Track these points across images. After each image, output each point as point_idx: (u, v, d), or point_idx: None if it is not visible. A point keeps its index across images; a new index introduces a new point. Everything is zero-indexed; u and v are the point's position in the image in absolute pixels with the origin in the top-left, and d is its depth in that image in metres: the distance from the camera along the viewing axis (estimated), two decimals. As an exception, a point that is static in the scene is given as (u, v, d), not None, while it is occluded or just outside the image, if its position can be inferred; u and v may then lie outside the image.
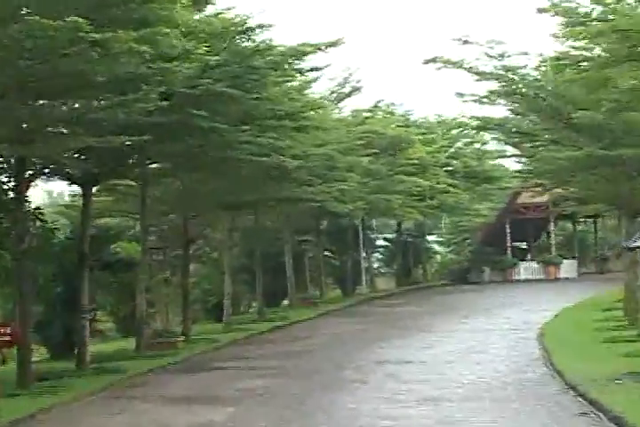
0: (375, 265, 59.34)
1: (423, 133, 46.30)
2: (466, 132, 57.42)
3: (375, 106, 41.06)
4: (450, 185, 49.03)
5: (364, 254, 51.89)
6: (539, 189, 39.52)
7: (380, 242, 61.62)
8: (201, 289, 40.26)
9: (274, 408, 15.84)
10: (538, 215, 58.87)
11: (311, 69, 24.86)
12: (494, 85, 25.09)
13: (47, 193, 64.78)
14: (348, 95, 38.67)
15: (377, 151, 37.09)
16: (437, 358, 22.49)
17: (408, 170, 42.44)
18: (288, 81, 24.67)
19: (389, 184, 41.16)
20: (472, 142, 57.22)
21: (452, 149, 54.09)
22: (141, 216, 26.29)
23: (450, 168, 51.37)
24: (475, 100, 26.28)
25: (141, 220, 26.44)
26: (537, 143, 24.56)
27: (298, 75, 24.39)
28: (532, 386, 17.21)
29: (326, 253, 52.70)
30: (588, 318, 29.98)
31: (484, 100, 25.86)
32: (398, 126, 43.16)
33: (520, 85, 23.77)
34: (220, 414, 15.29)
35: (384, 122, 40.79)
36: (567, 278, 56.39)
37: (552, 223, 59.04)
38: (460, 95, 26.29)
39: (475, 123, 27.07)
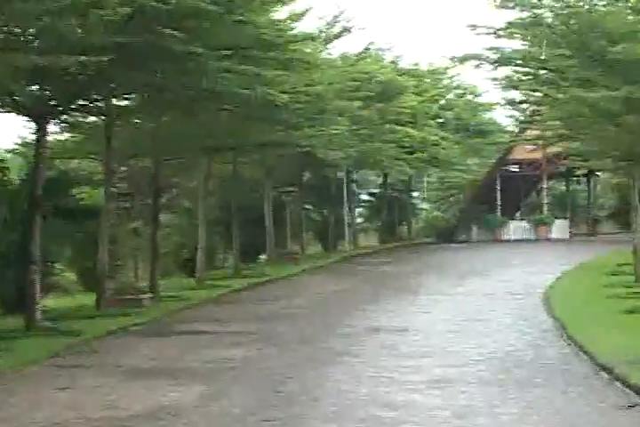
0: (358, 220, 56.55)
1: (413, 81, 43.23)
2: (458, 82, 54.64)
3: (366, 49, 37.95)
4: (442, 138, 46.19)
5: (347, 209, 49.12)
6: (538, 142, 36.48)
7: (364, 197, 58.86)
8: (173, 241, 37.42)
9: (251, 389, 13.09)
10: (530, 172, 56.22)
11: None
12: (513, 16, 22.23)
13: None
14: (338, 36, 35.55)
15: (369, 95, 34.09)
16: (437, 327, 19.84)
17: (399, 119, 39.52)
18: (275, 9, 21.67)
19: (380, 133, 38.23)
20: (464, 94, 54.38)
21: (443, 101, 51.20)
22: (106, 158, 23.34)
23: (441, 120, 48.43)
24: (490, 33, 23.34)
25: (106, 162, 23.47)
26: (563, 83, 21.66)
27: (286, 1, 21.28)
28: (554, 366, 14.52)
29: (308, 206, 50.03)
30: (594, 283, 27.56)
31: (502, 32, 22.90)
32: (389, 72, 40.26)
33: (548, 14, 20.90)
34: (187, 395, 12.53)
35: (375, 65, 37.74)
36: (558, 239, 53.93)
37: (544, 181, 56.37)
38: (473, 27, 23.32)
39: (494, 55, 24.09)
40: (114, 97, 21.77)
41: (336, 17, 35.33)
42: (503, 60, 24.30)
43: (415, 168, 48.04)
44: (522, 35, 23.01)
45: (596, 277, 29.36)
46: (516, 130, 60.69)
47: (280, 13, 23.39)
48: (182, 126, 25.18)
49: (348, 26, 35.62)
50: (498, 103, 60.09)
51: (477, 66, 25.46)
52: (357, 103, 31.89)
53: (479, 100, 56.27)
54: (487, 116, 57.73)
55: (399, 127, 39.46)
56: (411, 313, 22.47)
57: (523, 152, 55.48)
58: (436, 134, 45.23)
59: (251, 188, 42.20)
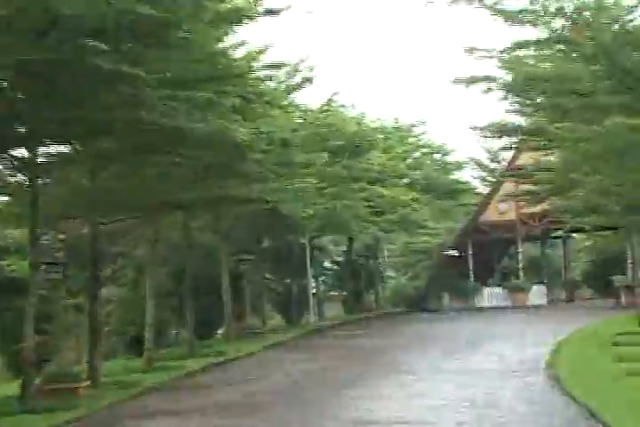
0: (322, 290, 52.50)
1: (380, 136, 39.70)
2: (425, 140, 51.43)
3: (330, 100, 34.34)
4: (411, 199, 42.65)
5: (311, 278, 45.20)
6: (526, 197, 33.01)
7: (327, 264, 54.99)
8: (118, 318, 33.21)
9: None
10: (503, 235, 52.78)
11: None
12: (526, 33, 18.83)
13: None
14: (299, 87, 31.95)
15: (336, 147, 30.53)
16: (442, 417, 15.91)
17: (368, 177, 35.95)
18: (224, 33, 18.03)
19: (348, 192, 34.59)
20: (432, 153, 51.15)
21: (410, 160, 47.89)
22: (30, 221, 19.28)
23: (408, 180, 44.94)
24: (492, 56, 19.93)
25: (30, 225, 19.41)
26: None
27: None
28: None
29: (268, 276, 46.08)
30: (600, 356, 23.81)
31: (506, 54, 19.54)
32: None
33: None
34: None
35: (340, 117, 34.22)
36: (536, 306, 50.32)
37: (519, 244, 52.92)
38: (470, 51, 19.89)
39: (507, 76, 20.67)
40: (37, 145, 17.85)
41: (297, 65, 31.75)
42: (519, 84, 20.79)
43: (384, 231, 44.34)
44: (536, 55, 19.71)
45: (598, 348, 25.69)
46: (487, 189, 57.71)
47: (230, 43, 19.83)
48: (123, 181, 21.31)
49: (309, 76, 32.01)
50: (468, 161, 57.75)
51: (487, 90, 21.90)
52: (324, 155, 28.25)
53: (447, 159, 53.11)
54: (456, 176, 54.57)
55: (368, 186, 35.88)
56: (404, 399, 18.51)
57: (495, 214, 52.28)
58: (406, 195, 41.67)
59: (205, 255, 38.27)
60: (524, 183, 31.94)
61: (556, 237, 57.72)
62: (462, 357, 26.67)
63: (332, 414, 16.74)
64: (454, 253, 54.27)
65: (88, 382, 21.50)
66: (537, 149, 28.72)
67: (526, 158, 50.60)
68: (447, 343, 31.03)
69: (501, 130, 27.50)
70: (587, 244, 63.07)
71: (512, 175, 31.06)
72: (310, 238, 43.70)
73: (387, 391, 19.63)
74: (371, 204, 37.68)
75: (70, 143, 18.60)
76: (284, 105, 23.78)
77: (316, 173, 27.91)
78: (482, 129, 28.39)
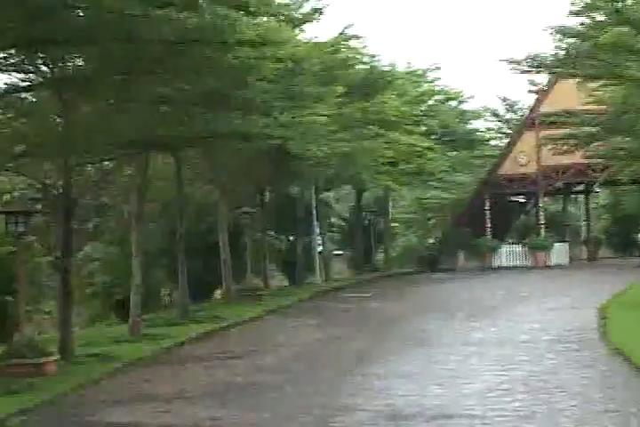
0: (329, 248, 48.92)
1: (393, 78, 35.70)
2: (440, 86, 47.62)
3: (342, 33, 30.33)
4: (428, 148, 38.94)
5: (317, 235, 41.67)
6: (570, 142, 29.21)
7: (334, 220, 51.35)
8: (103, 278, 29.76)
9: None
10: (522, 189, 49.16)
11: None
12: None
13: None
14: (307, 19, 28.13)
15: (350, 83, 26.78)
16: (495, 406, 12.44)
17: (383, 121, 32.09)
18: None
19: (362, 137, 30.79)
20: (447, 100, 47.37)
21: (425, 106, 44.11)
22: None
23: (424, 128, 41.09)
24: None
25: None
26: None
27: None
28: None
29: (271, 233, 42.60)
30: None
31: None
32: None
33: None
34: None
35: (354, 51, 30.34)
36: (558, 266, 46.82)
37: (540, 199, 49.25)
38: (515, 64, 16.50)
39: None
40: None
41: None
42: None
43: (399, 184, 40.59)
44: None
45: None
46: (503, 141, 54.00)
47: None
48: (104, 116, 17.65)
49: (318, 6, 28.25)
50: (484, 111, 53.88)
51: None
52: (338, 88, 24.47)
53: (464, 107, 49.31)
54: (474, 126, 50.82)
55: (383, 131, 32.08)
56: (436, 379, 15.03)
57: (514, 166, 48.58)
58: (423, 143, 37.94)
59: (202, 210, 34.79)
60: (560, 128, 28.12)
61: (577, 193, 54.10)
62: (490, 323, 23.28)
63: (349, 402, 13.28)
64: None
65: (58, 356, 18.02)
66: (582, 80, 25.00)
67: (551, 104, 47.21)
68: (470, 307, 27.60)
69: (542, 62, 23.93)
70: (607, 200, 59.59)
71: (552, 119, 27.20)
72: (316, 191, 40.15)
73: (412, 370, 16.17)
74: (385, 152, 33.88)
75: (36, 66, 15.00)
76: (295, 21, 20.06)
77: (328, 112, 24.10)
78: (519, 62, 24.86)
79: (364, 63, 30.99)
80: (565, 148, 36.06)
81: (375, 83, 29.81)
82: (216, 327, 24.54)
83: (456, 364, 16.74)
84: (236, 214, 33.74)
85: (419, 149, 37.77)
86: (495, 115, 55.21)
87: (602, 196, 59.65)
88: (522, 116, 56.52)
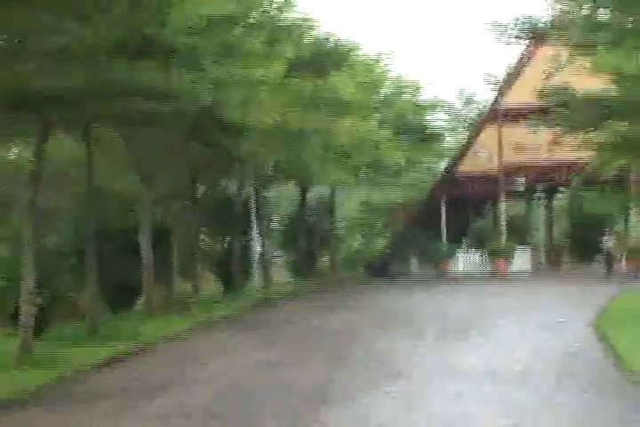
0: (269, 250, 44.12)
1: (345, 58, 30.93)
2: (394, 74, 43.19)
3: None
4: (386, 139, 34.35)
5: (257, 236, 36.86)
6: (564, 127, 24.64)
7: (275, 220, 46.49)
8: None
9: None
10: (483, 190, 44.82)
11: None
12: None
13: None
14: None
15: (297, 56, 22.04)
16: None
17: (335, 104, 27.39)
18: None
19: (312, 120, 25.90)
20: (403, 89, 42.93)
21: (378, 95, 39.57)
22: None
23: (378, 117, 36.47)
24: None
25: None
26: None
27: None
28: None
29: (204, 233, 37.77)
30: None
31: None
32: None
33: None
34: None
35: (301, 17, 25.44)
36: (521, 273, 42.56)
37: (501, 200, 44.92)
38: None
39: None
40: None
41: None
42: None
43: (352, 179, 35.84)
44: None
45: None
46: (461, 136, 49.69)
47: None
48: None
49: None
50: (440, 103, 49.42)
51: None
52: (288, 51, 19.71)
53: (419, 98, 44.83)
54: (431, 118, 46.39)
55: (337, 118, 27.30)
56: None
57: (473, 164, 44.28)
58: (378, 133, 33.35)
59: (126, 205, 29.84)
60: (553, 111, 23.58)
61: (539, 195, 49.96)
62: (473, 345, 18.76)
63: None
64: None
65: None
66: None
67: (515, 96, 43.09)
68: (440, 323, 23.12)
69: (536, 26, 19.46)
70: (564, 203, 55.53)
71: (551, 95, 22.86)
72: (256, 187, 35.41)
73: (387, 419, 11.53)
74: (339, 138, 29.12)
75: None
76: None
77: (273, 80, 19.28)
78: (505, 27, 20.37)
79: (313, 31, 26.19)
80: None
81: (328, 58, 25.05)
82: (130, 347, 19.64)
83: (445, 408, 12.15)
84: (163, 211, 28.91)
85: (374, 139, 33.16)
86: (450, 110, 50.84)
87: (559, 198, 55.62)
88: (479, 111, 52.47)
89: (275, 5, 22.05)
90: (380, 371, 15.61)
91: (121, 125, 19.49)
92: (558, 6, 20.16)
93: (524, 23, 20.13)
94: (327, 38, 25.14)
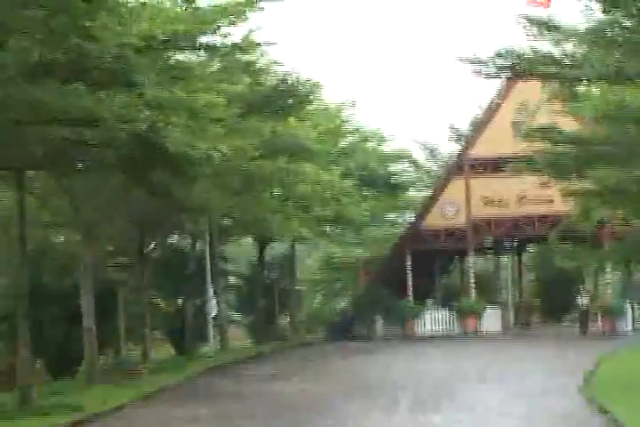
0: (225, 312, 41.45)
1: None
2: (355, 125, 41.24)
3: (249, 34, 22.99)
4: (344, 193, 32.16)
5: (212, 297, 34.25)
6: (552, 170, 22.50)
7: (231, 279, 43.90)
8: None
9: None
10: (450, 245, 42.64)
11: None
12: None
13: None
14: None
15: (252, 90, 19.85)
16: None
17: (295, 148, 25.03)
18: None
19: (268, 166, 23.42)
20: (365, 140, 40.96)
21: (340, 145, 37.55)
22: None
23: (340, 168, 34.25)
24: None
25: None
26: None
27: None
28: None
29: (154, 293, 35.24)
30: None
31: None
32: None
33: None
34: None
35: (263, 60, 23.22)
36: (491, 333, 40.26)
37: (470, 256, 42.77)
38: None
39: None
40: None
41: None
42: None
43: (313, 233, 33.51)
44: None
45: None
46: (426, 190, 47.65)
47: None
48: None
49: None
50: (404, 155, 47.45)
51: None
52: (240, 87, 17.50)
53: (383, 148, 42.92)
54: (395, 169, 44.44)
55: (295, 165, 24.97)
56: None
57: (439, 219, 42.15)
58: (341, 182, 31.15)
59: (67, 264, 27.34)
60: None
61: (508, 250, 47.85)
62: (457, 421, 16.33)
63: None
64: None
65: None
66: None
67: (481, 148, 41.26)
68: (414, 392, 20.71)
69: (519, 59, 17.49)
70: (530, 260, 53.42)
71: (536, 134, 20.93)
72: (211, 243, 32.92)
73: None
74: (297, 188, 26.84)
75: None
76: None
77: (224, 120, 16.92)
78: (484, 62, 18.36)
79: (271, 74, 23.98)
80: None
81: (288, 97, 22.78)
82: (63, 424, 17.01)
83: None
84: (107, 269, 26.39)
85: (336, 189, 30.96)
86: (413, 162, 48.86)
87: (529, 253, 53.52)
88: (443, 163, 50.57)
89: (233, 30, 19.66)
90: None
91: (51, 163, 16.99)
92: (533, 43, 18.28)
93: (504, 57, 18.13)
94: (287, 75, 22.97)
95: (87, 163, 16.24)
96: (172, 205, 19.67)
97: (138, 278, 28.78)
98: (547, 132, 20.77)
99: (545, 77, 19.10)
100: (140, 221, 25.53)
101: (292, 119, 25.17)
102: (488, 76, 18.71)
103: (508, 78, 33.91)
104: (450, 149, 51.07)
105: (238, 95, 19.49)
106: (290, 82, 22.84)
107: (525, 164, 23.69)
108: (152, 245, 30.05)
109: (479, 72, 18.46)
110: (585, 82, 17.93)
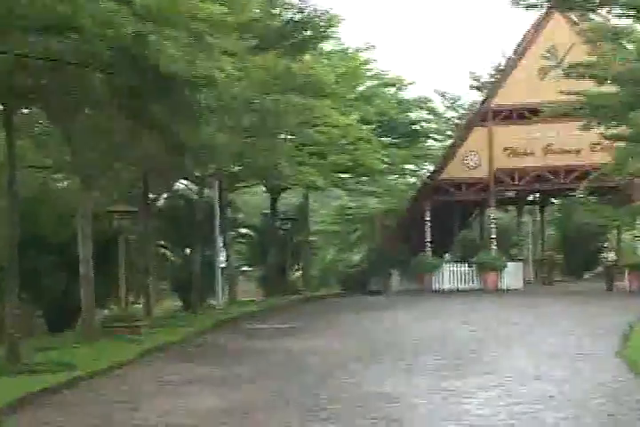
0: (236, 264, 39.83)
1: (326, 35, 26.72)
2: (375, 70, 39.28)
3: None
4: (364, 139, 30.22)
5: (220, 247, 32.64)
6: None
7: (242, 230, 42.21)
8: None
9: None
10: (471, 197, 40.86)
11: None
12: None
13: None
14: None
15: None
16: None
17: (312, 86, 23.10)
18: None
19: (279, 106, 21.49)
20: (384, 85, 39.02)
21: (362, 88, 35.60)
22: None
23: (357, 114, 32.36)
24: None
25: None
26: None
27: None
28: None
29: (160, 242, 33.75)
30: None
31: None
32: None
33: None
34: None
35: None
36: (512, 290, 38.64)
37: (492, 209, 40.98)
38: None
39: None
40: None
41: None
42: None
43: (328, 182, 31.63)
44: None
45: None
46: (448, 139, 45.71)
47: None
48: None
49: None
50: (427, 103, 45.43)
51: None
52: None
53: (404, 95, 40.98)
54: (416, 116, 42.54)
55: (315, 101, 22.97)
56: None
57: (460, 169, 40.33)
58: (359, 129, 29.23)
59: (66, 212, 25.66)
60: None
61: (531, 203, 46.05)
62: (486, 385, 14.71)
63: None
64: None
65: None
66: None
67: (505, 96, 39.30)
68: (439, 353, 19.09)
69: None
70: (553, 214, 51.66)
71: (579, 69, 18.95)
72: (221, 191, 31.19)
73: None
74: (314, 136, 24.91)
75: None
76: None
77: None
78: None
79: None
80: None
81: (304, 29, 20.78)
82: (51, 384, 15.40)
83: None
84: (108, 217, 24.66)
85: (354, 135, 29.05)
86: (433, 111, 46.82)
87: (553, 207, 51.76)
88: (464, 113, 48.61)
89: None
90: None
91: (36, 96, 15.05)
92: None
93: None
94: (304, 4, 21.00)
95: (75, 96, 14.36)
96: (175, 146, 17.85)
97: (143, 229, 27.09)
98: (591, 69, 18.83)
99: (585, 6, 17.12)
100: (142, 165, 23.72)
101: (308, 57, 23.21)
102: (528, 5, 16.76)
103: (543, 15, 32.07)
104: (471, 98, 49.14)
105: (249, 28, 17.64)
106: (306, 13, 20.84)
107: (564, 108, 21.73)
108: (157, 192, 28.30)
109: (518, 2, 16.53)
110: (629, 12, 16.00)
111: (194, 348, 21.53)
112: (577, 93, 21.09)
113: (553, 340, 20.97)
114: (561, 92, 23.00)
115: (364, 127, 30.49)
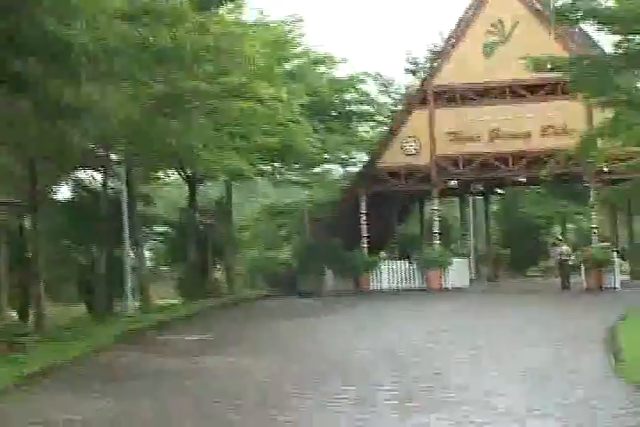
0: (149, 264, 35.48)
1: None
2: (304, 46, 35.40)
3: None
4: (292, 121, 26.31)
5: (130, 245, 28.36)
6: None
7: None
8: None
9: None
10: (411, 186, 37.11)
11: None
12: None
13: None
14: None
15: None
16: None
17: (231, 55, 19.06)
18: None
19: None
20: (315, 63, 35.14)
21: (288, 67, 31.69)
22: None
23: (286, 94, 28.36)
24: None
25: None
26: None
27: None
28: None
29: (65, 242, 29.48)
30: None
31: None
32: None
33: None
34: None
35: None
36: (457, 289, 35.06)
37: (435, 200, 37.27)
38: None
39: None
40: None
41: None
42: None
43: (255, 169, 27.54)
44: None
45: None
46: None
47: None
48: None
49: None
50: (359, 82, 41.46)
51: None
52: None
53: (335, 73, 37.17)
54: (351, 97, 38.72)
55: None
56: None
57: (399, 157, 36.57)
58: (288, 106, 25.30)
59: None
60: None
61: (475, 193, 42.50)
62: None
63: None
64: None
65: None
66: None
67: (446, 76, 35.70)
68: (394, 374, 15.28)
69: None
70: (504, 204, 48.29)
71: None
72: (130, 182, 26.99)
73: None
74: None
75: None
76: None
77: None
78: None
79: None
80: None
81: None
82: None
83: None
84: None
85: (282, 114, 25.10)
86: (365, 94, 42.90)
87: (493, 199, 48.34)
88: (400, 96, 44.99)
89: None
90: None
91: None
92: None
93: None
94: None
95: None
96: (50, 109, 13.65)
97: (30, 226, 22.72)
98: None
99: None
100: (25, 146, 19.33)
101: (224, 14, 19.14)
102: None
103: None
104: (406, 82, 45.56)
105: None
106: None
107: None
108: (51, 182, 24.00)
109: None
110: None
111: (88, 370, 17.37)
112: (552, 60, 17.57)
113: (527, 353, 17.30)
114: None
115: (294, 102, 26.56)
